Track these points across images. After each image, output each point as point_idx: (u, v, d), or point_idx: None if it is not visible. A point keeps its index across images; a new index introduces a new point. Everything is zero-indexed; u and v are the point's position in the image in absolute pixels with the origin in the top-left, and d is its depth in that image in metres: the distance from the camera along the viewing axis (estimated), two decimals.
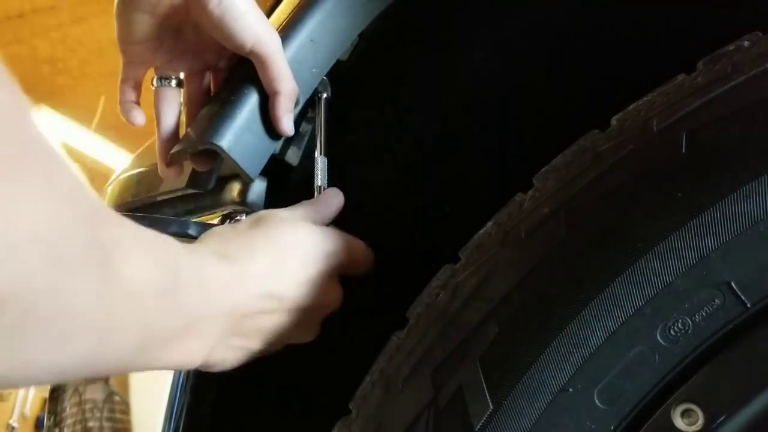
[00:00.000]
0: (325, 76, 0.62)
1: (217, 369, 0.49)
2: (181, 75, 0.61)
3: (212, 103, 0.58)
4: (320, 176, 0.60)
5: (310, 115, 0.64)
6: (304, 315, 0.51)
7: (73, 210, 0.29)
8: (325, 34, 0.61)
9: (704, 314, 0.35)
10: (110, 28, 0.57)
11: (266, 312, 0.48)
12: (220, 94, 0.59)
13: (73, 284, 0.29)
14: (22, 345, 0.28)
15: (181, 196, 0.66)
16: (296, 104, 0.58)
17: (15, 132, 0.26)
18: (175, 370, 0.59)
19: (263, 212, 0.54)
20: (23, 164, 0.26)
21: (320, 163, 0.61)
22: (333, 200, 0.58)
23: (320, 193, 0.60)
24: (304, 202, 0.58)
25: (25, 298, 0.26)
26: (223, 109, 0.56)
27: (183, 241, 0.43)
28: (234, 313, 0.45)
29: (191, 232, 0.54)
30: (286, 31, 0.59)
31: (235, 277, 0.46)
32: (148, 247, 0.36)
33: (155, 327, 0.37)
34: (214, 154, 0.56)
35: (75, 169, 0.30)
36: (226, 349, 0.47)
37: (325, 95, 0.63)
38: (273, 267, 0.49)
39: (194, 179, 0.59)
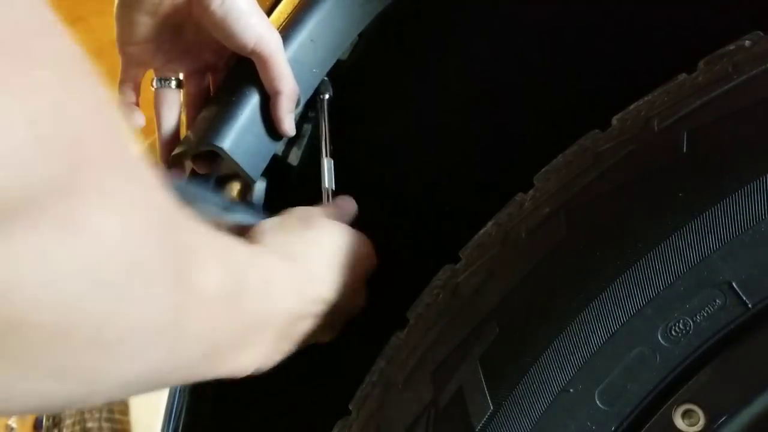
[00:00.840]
0: (326, 76, 0.62)
1: (251, 373, 0.46)
2: (181, 76, 0.61)
3: (212, 104, 0.58)
4: (327, 178, 0.60)
5: (310, 114, 0.64)
6: (337, 317, 0.51)
7: (149, 217, 0.27)
8: (325, 34, 0.61)
9: (705, 314, 0.35)
10: (110, 28, 0.57)
11: (314, 316, 0.48)
12: (220, 94, 0.58)
13: (150, 295, 0.27)
14: (93, 364, 0.26)
15: None
16: (297, 104, 0.58)
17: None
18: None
19: (305, 210, 0.54)
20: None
21: (327, 164, 0.61)
22: (349, 206, 0.58)
23: (328, 195, 0.60)
24: (322, 206, 0.57)
25: (101, 314, 0.25)
26: (223, 110, 0.55)
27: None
28: (290, 318, 0.45)
29: (253, 221, 0.51)
30: (286, 31, 0.59)
31: (297, 282, 0.45)
32: (221, 252, 0.35)
33: (222, 334, 0.36)
34: (215, 156, 0.56)
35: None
36: (274, 353, 0.45)
37: (326, 96, 0.62)
38: (326, 271, 0.49)
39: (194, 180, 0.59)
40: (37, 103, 0.20)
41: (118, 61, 0.59)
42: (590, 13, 0.63)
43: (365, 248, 0.53)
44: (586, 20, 0.63)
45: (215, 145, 0.54)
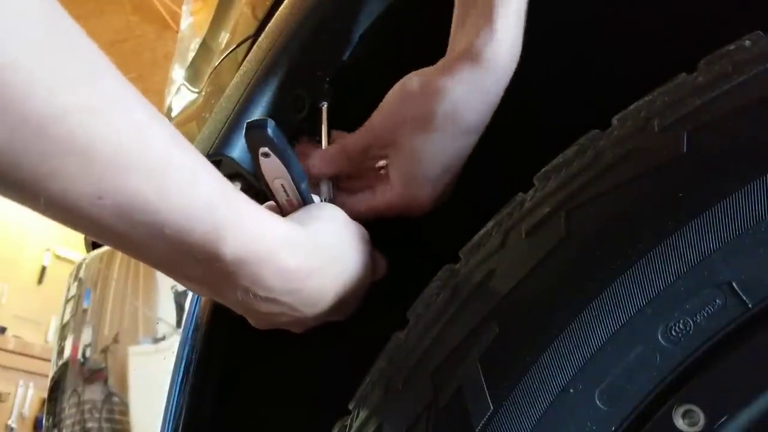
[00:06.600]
0: (327, 78, 0.62)
1: (250, 318, 0.51)
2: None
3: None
4: (326, 189, 0.60)
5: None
6: (309, 321, 0.52)
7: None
8: (326, 35, 0.61)
9: (705, 314, 0.35)
10: (110, 27, 0.57)
11: (315, 270, 0.49)
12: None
13: None
14: None
15: None
16: (302, 110, 0.59)
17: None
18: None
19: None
20: None
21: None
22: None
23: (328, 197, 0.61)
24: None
25: None
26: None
27: None
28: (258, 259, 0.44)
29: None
30: (287, 33, 0.59)
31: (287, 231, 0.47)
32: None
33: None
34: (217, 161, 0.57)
35: None
36: (254, 297, 0.46)
37: (326, 104, 0.62)
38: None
39: None
40: None
41: (117, 61, 0.59)
42: (591, 12, 0.63)
43: (369, 262, 0.54)
44: (586, 19, 0.63)
45: (224, 155, 0.57)
